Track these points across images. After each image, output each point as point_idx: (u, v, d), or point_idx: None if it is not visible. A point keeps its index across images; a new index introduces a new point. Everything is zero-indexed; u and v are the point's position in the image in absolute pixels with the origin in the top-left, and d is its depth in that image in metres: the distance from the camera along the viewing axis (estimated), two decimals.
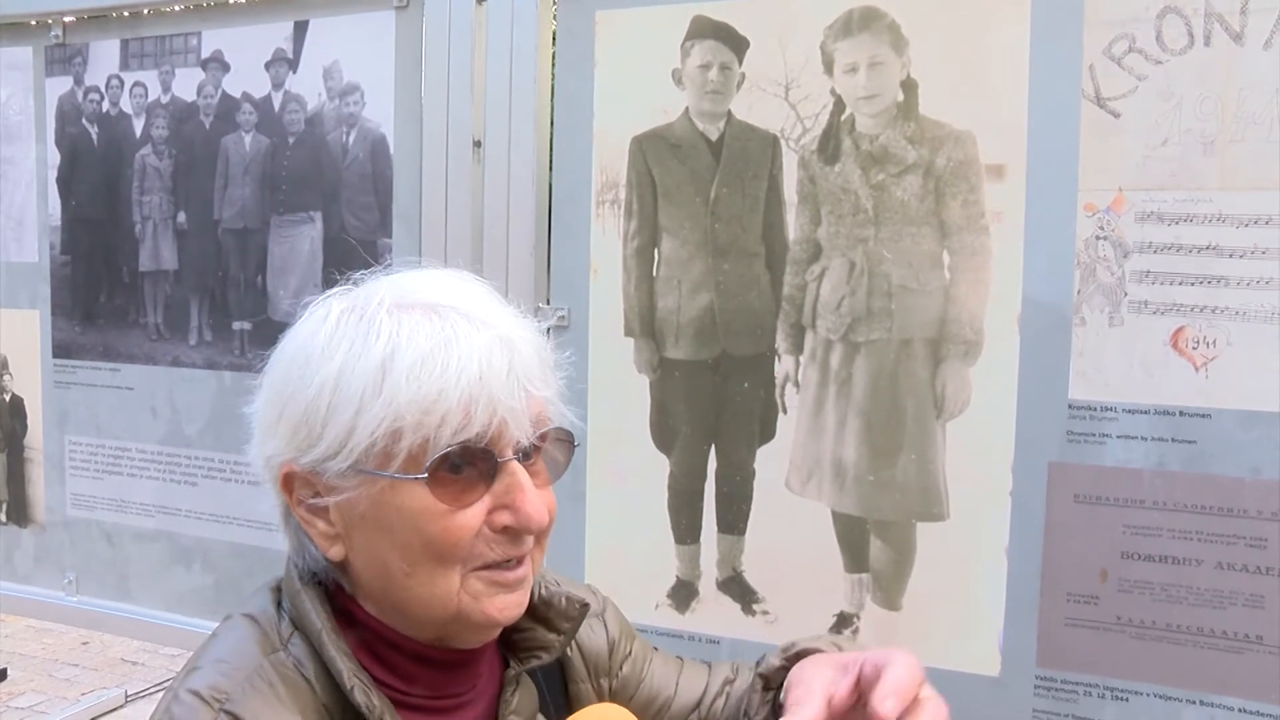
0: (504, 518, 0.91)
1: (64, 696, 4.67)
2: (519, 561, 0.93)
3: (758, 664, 1.11)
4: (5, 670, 4.03)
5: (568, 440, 0.98)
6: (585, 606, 1.06)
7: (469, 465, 0.89)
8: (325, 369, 0.89)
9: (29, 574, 2.51)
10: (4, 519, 2.53)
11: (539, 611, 1.04)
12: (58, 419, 2.43)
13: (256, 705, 0.88)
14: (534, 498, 0.91)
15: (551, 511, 0.94)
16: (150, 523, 2.34)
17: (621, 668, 1.18)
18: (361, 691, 0.89)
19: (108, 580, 2.41)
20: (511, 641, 1.05)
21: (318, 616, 0.93)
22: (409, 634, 0.95)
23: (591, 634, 1.16)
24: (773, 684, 1.06)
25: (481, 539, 0.91)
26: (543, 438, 0.94)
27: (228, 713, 0.87)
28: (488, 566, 0.92)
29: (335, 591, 0.97)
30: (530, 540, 0.94)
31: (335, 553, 0.94)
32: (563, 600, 1.05)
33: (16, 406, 2.49)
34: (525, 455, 0.92)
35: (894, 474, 1.65)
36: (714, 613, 1.78)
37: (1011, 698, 1.59)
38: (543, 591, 1.04)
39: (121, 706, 3.43)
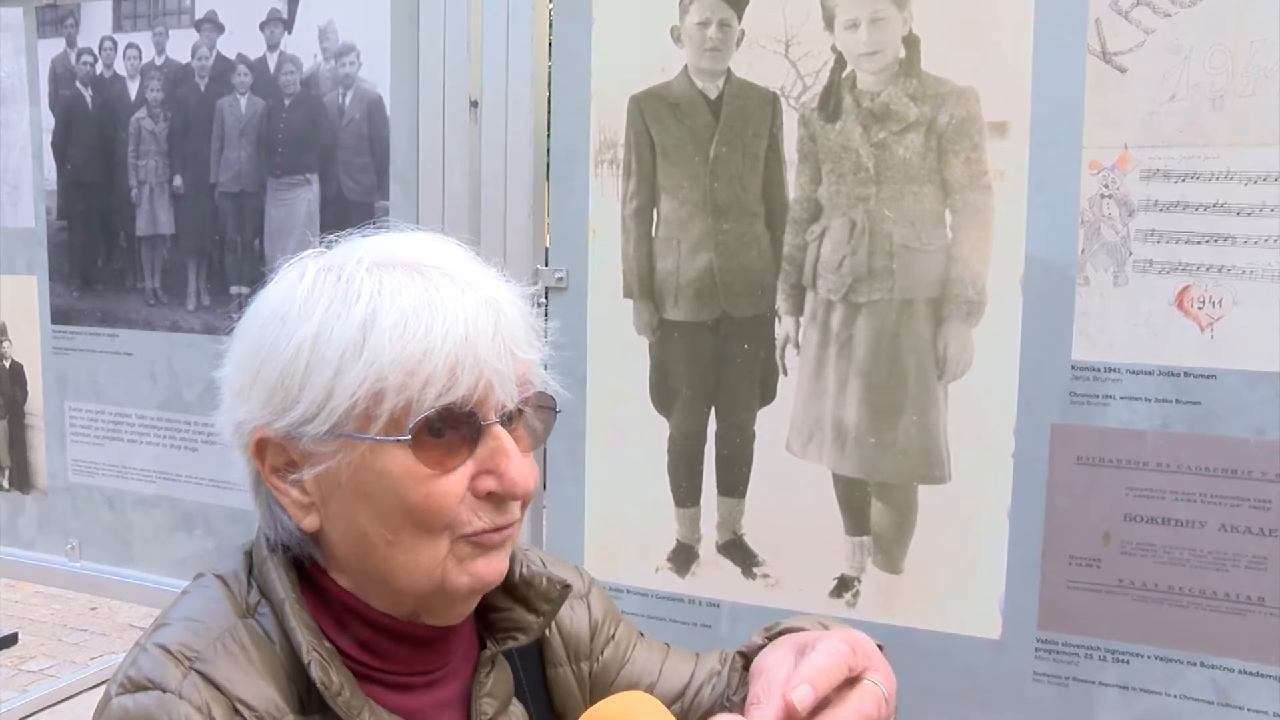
0: (488, 483, 0.88)
1: (73, 661, 4.71)
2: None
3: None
4: (16, 634, 4.07)
5: (550, 407, 0.95)
6: (566, 588, 1.03)
7: (451, 429, 0.86)
8: (303, 329, 0.86)
9: (32, 540, 2.52)
10: (6, 485, 2.53)
11: (519, 591, 1.02)
12: (57, 385, 2.43)
13: (228, 667, 0.86)
14: (519, 462, 0.89)
15: (535, 478, 0.91)
16: (151, 488, 2.34)
17: (603, 651, 1.14)
18: (319, 666, 0.87)
19: (110, 546, 2.41)
20: (489, 622, 1.02)
21: (282, 586, 0.91)
22: (383, 608, 0.93)
23: (573, 615, 1.13)
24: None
25: (467, 506, 0.88)
26: (525, 402, 0.91)
27: (198, 672, 0.85)
28: (476, 532, 0.89)
29: (308, 564, 0.94)
30: (517, 507, 0.91)
31: (309, 523, 0.90)
32: (544, 581, 1.02)
33: (16, 373, 2.48)
34: (508, 419, 0.90)
35: (895, 436, 1.63)
36: (714, 576, 1.77)
37: (1013, 660, 1.58)
38: (524, 571, 1.02)
39: None
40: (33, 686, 4.17)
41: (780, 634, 1.00)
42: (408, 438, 0.85)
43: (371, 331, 0.84)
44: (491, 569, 0.91)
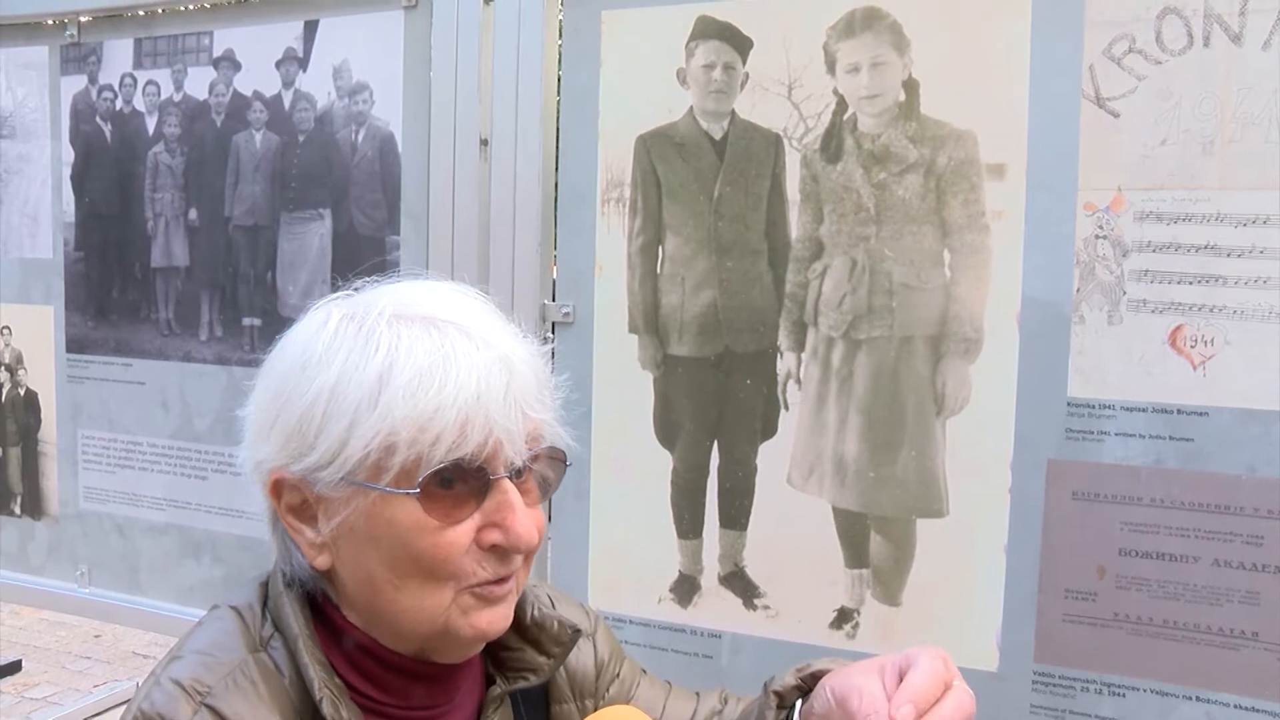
0: (493, 536, 0.90)
1: (76, 688, 4.71)
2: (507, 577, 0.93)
3: (767, 684, 1.07)
4: (20, 662, 4.09)
5: (560, 459, 0.97)
6: (577, 632, 1.05)
7: (460, 482, 0.88)
8: (322, 377, 0.88)
9: (42, 566, 2.54)
10: (18, 511, 2.56)
11: (530, 633, 1.04)
12: (71, 413, 2.47)
13: (237, 702, 0.87)
14: (524, 517, 0.90)
15: (541, 531, 0.93)
16: (161, 516, 2.37)
17: (608, 689, 1.16)
18: (330, 703, 0.89)
19: (119, 573, 2.44)
20: (500, 660, 1.04)
21: (296, 622, 0.93)
22: (391, 646, 0.95)
23: (579, 653, 1.14)
24: (786, 702, 1.03)
25: (471, 557, 0.90)
26: (535, 457, 0.93)
27: (209, 707, 0.87)
28: (480, 584, 0.91)
29: (321, 599, 0.97)
30: (519, 559, 0.93)
31: (321, 562, 0.93)
32: (555, 624, 1.04)
33: (31, 401, 2.52)
34: (517, 474, 0.91)
35: (894, 470, 1.66)
36: (716, 607, 1.80)
37: (1009, 693, 1.60)
38: (535, 613, 1.04)
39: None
40: (36, 714, 4.17)
41: (814, 675, 1.01)
42: (416, 490, 0.87)
43: (386, 386, 0.86)
44: (494, 622, 0.93)
